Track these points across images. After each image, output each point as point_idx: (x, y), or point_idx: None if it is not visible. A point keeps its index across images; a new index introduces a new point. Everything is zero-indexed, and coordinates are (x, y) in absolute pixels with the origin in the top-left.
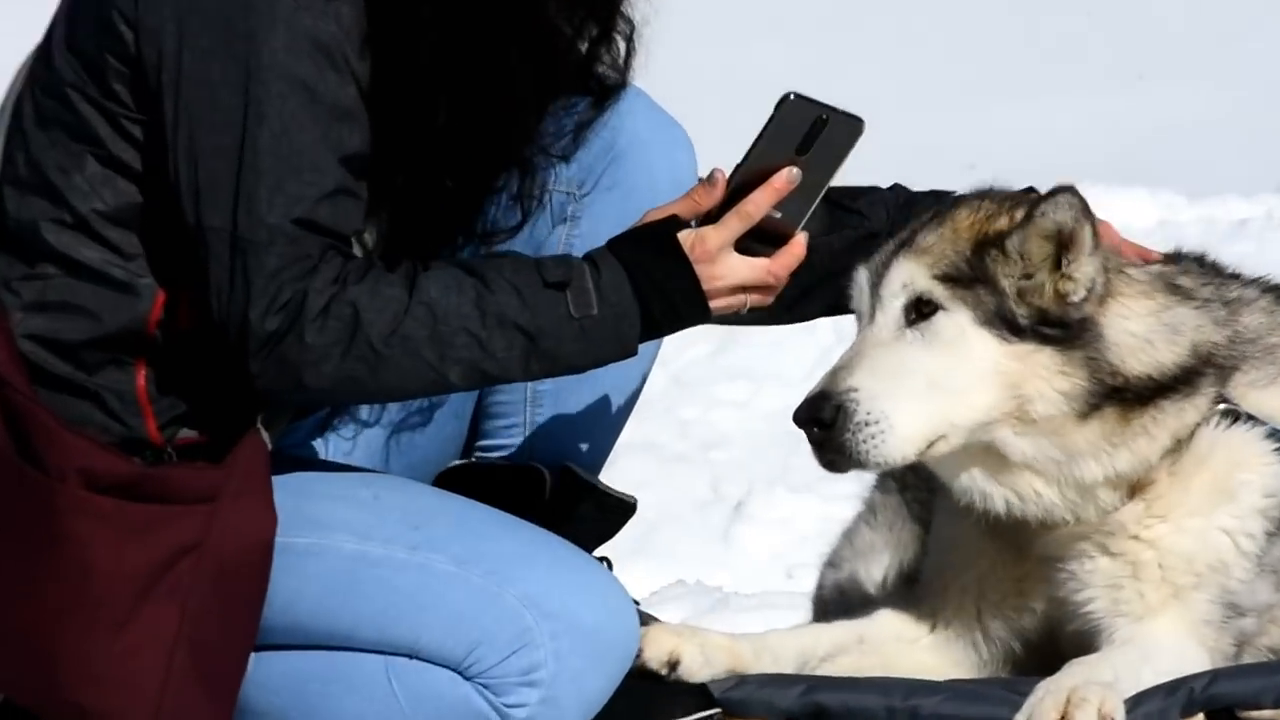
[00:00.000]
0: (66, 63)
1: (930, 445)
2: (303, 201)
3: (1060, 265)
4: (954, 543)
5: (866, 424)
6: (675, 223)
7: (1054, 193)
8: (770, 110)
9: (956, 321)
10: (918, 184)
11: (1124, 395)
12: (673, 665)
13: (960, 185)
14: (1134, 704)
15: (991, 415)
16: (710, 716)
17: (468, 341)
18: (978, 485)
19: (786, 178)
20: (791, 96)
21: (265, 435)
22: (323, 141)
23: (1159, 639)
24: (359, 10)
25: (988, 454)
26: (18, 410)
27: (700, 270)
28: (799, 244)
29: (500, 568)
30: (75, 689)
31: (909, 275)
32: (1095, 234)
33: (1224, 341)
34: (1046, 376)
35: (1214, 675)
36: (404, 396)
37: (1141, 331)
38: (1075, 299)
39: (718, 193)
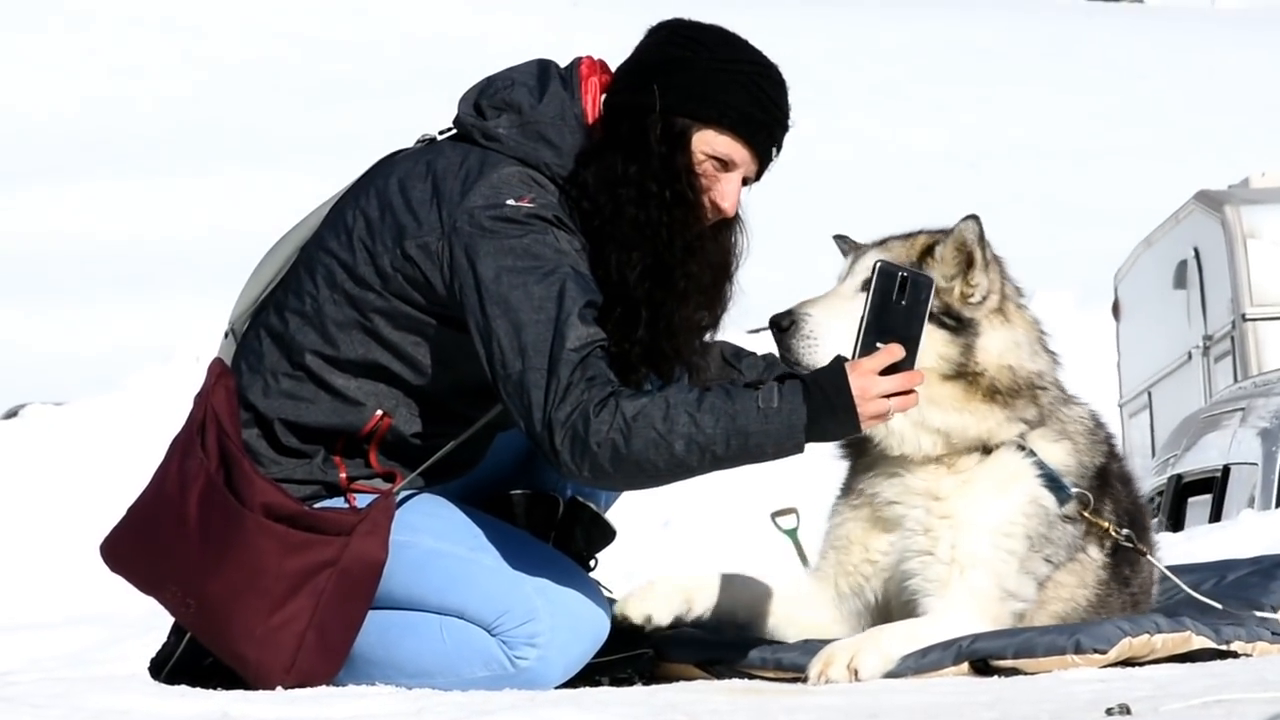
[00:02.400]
0: (366, 263)
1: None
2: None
3: (966, 274)
4: (839, 531)
5: (807, 337)
6: (841, 358)
7: (966, 218)
8: (870, 277)
9: None
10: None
11: (976, 380)
12: (647, 617)
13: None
14: (922, 654)
15: None
16: (641, 654)
17: (687, 420)
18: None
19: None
20: (879, 264)
21: (395, 494)
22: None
23: (947, 609)
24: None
25: None
26: (229, 454)
27: (854, 382)
28: (919, 373)
29: (523, 567)
30: (241, 644)
31: (873, 261)
32: (986, 256)
33: (1050, 400)
34: (935, 345)
35: (976, 636)
36: (651, 469)
37: (1010, 342)
38: (973, 301)
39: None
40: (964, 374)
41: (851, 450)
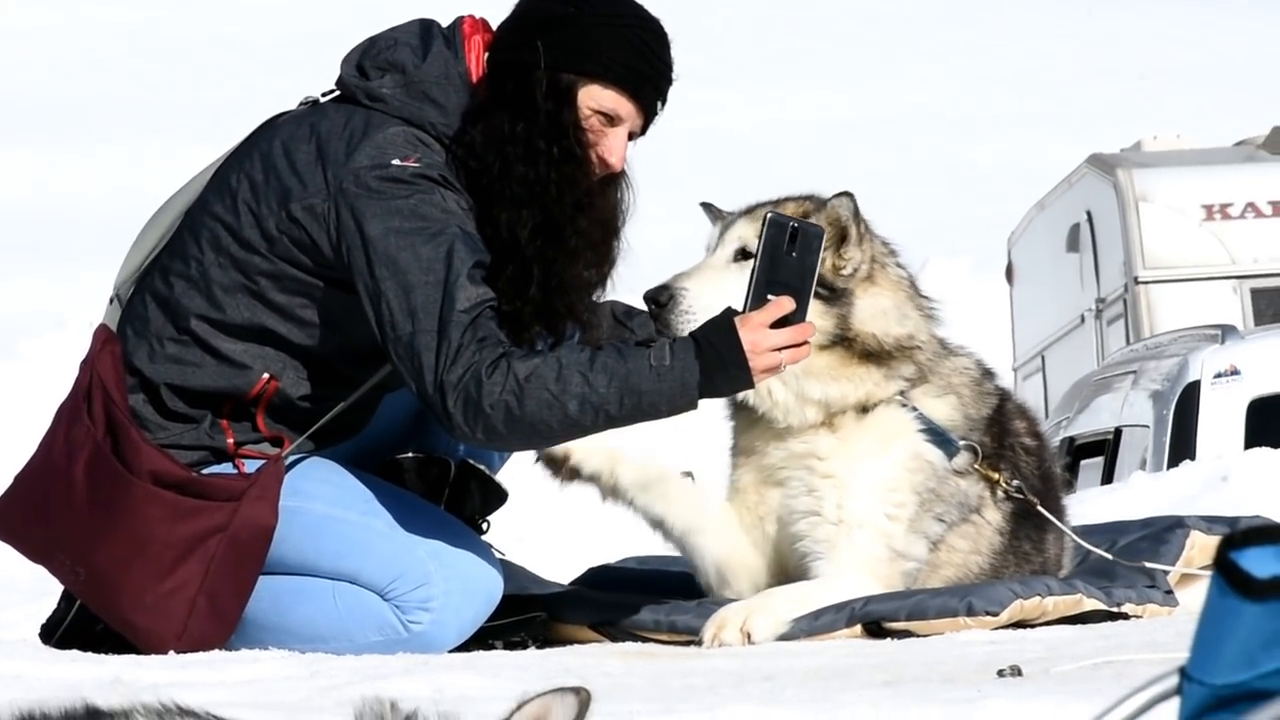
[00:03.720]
0: (251, 226)
1: None
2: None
3: (840, 248)
4: (734, 484)
5: (685, 311)
6: (731, 310)
7: (840, 194)
8: (760, 229)
9: None
10: None
11: (852, 345)
12: (567, 457)
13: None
14: (815, 617)
15: None
16: (533, 617)
17: (580, 380)
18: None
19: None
20: (769, 215)
21: (285, 459)
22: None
23: (837, 572)
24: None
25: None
26: (115, 420)
27: (745, 336)
28: (809, 325)
29: (415, 531)
30: (131, 612)
31: (743, 231)
32: (860, 231)
33: (926, 358)
34: (809, 317)
35: (869, 599)
36: (545, 430)
37: (878, 309)
38: (845, 273)
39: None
40: (839, 342)
41: (735, 409)
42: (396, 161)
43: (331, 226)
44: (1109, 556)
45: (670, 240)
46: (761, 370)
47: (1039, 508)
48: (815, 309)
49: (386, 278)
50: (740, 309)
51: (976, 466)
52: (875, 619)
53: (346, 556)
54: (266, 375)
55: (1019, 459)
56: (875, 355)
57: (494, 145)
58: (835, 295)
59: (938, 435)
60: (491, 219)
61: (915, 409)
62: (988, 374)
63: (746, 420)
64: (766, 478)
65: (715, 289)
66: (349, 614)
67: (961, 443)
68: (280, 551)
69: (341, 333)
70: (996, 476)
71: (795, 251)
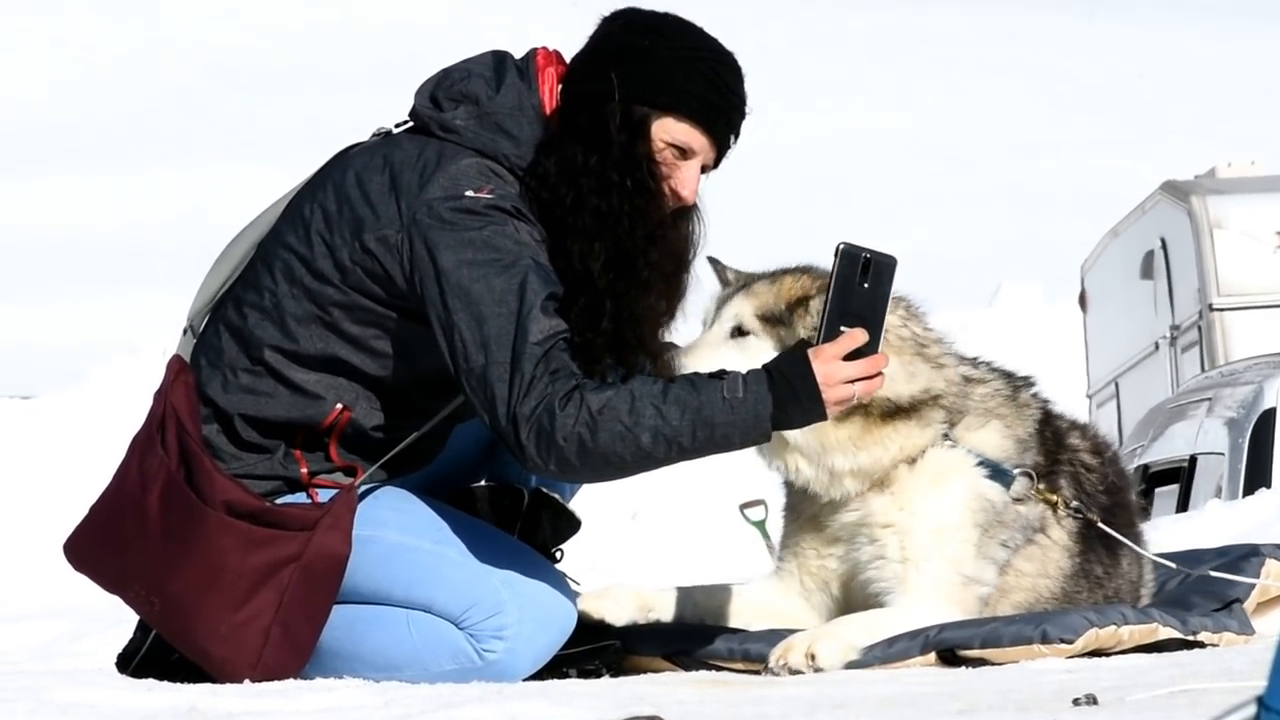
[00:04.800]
0: (325, 257)
1: None
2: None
3: None
4: (791, 540)
5: None
6: (804, 343)
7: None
8: (832, 259)
9: (761, 345)
10: None
11: (870, 411)
12: (601, 618)
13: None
14: (889, 644)
15: None
16: (607, 646)
17: (653, 412)
18: (765, 454)
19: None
20: (842, 246)
21: (357, 488)
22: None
23: (910, 600)
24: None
25: (790, 446)
26: (189, 451)
27: (819, 368)
28: (883, 356)
29: (488, 560)
30: (206, 641)
31: (740, 308)
32: None
33: (952, 395)
34: None
35: (943, 626)
36: (618, 461)
37: (886, 373)
38: None
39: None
40: (854, 411)
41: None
42: (470, 193)
43: (405, 257)
44: (1173, 566)
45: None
46: (834, 402)
47: (1099, 523)
48: None
49: (459, 309)
50: (814, 341)
51: (1035, 490)
52: (949, 646)
53: (420, 585)
54: (340, 405)
55: (1080, 475)
56: (898, 413)
57: (567, 177)
58: None
59: (991, 468)
60: (564, 251)
61: (962, 446)
62: (1020, 386)
63: (801, 529)
64: (826, 539)
65: (712, 367)
66: (423, 642)
67: (1016, 471)
68: (354, 580)
69: (414, 364)
70: (1055, 498)
71: (867, 282)
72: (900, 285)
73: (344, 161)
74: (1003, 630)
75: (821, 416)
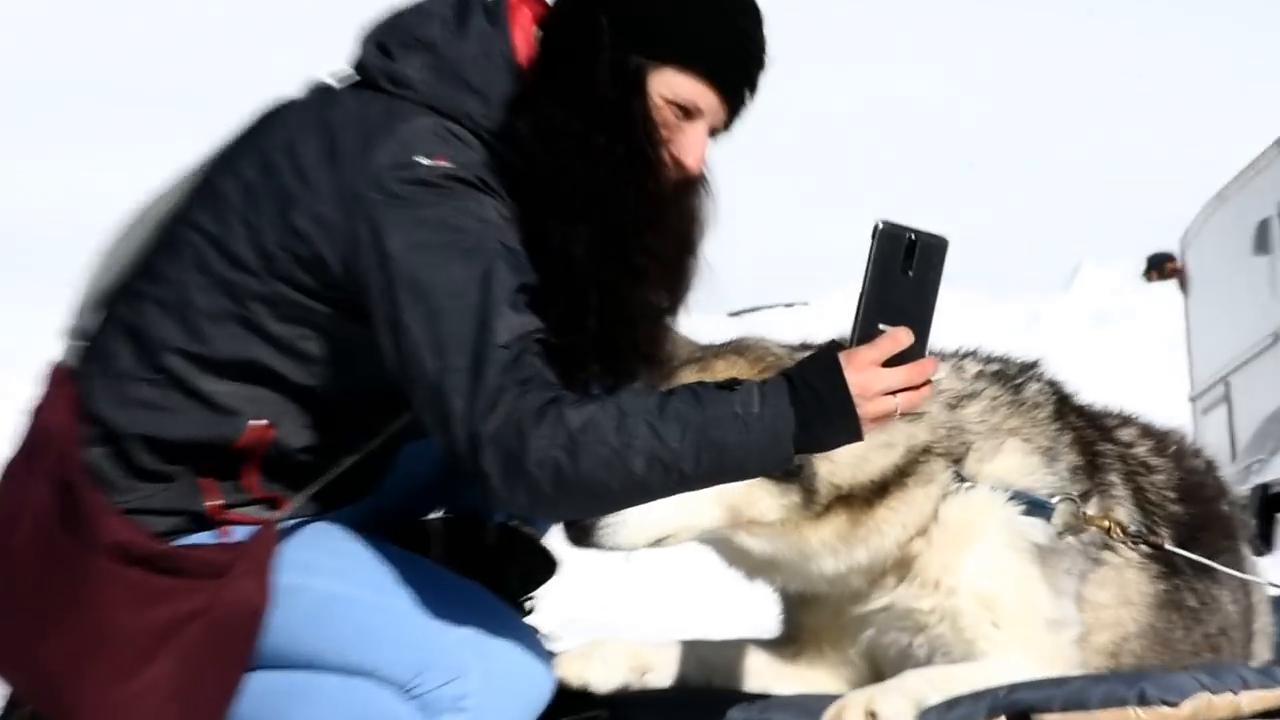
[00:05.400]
0: (243, 240)
1: (660, 541)
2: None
3: None
4: (793, 623)
5: (606, 523)
6: (835, 344)
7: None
8: (869, 241)
9: None
10: None
11: (850, 500)
12: (584, 684)
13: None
14: (947, 708)
15: (717, 524)
16: (594, 717)
17: (647, 432)
18: (740, 566)
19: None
20: (881, 226)
21: (280, 524)
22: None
23: (993, 652)
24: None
25: (736, 547)
26: (69, 482)
27: (853, 377)
28: (931, 360)
29: (445, 613)
30: (91, 717)
31: (686, 380)
32: None
33: (943, 435)
34: (765, 497)
35: (1014, 686)
36: (603, 492)
37: (855, 452)
38: None
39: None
40: (829, 508)
41: None
42: (424, 160)
43: (343, 240)
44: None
45: (759, 248)
46: (872, 418)
47: (1166, 546)
48: (768, 490)
49: (409, 303)
50: (847, 343)
51: (1082, 516)
52: (1024, 709)
53: (359, 645)
54: (259, 422)
55: (1137, 477)
56: (886, 488)
57: (544, 142)
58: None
59: (1025, 503)
60: (540, 233)
61: (982, 483)
62: (1020, 381)
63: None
64: (845, 628)
65: None
66: (361, 717)
67: (1055, 500)
68: (275, 640)
69: (352, 370)
70: (1108, 523)
71: (912, 269)
72: (955, 269)
73: (271, 123)
74: (1090, 689)
75: (855, 435)
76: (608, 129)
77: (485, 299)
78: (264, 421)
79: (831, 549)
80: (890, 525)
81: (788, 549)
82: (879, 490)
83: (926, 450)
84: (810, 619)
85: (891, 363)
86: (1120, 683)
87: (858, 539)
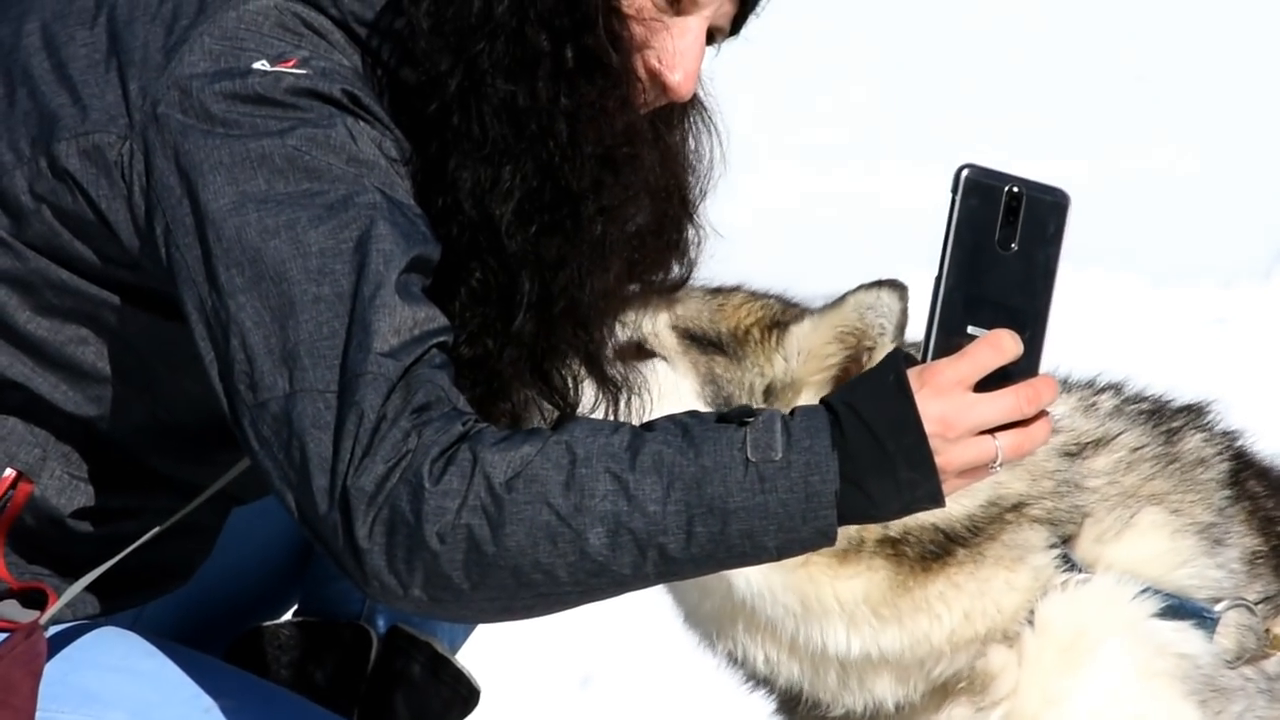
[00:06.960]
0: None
1: None
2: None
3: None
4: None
5: None
6: (899, 357)
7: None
8: (950, 193)
9: (671, 380)
10: None
11: (899, 549)
12: None
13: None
14: None
15: None
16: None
17: (612, 489)
18: (702, 621)
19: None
20: (966, 172)
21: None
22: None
23: None
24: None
25: (724, 601)
26: None
27: (930, 408)
28: (1049, 379)
29: None
30: None
31: (649, 317)
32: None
33: (1048, 491)
34: None
35: None
36: (540, 580)
37: None
38: None
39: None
40: (879, 549)
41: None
42: (261, 65)
43: (136, 185)
44: None
45: (754, 215)
46: (959, 470)
47: None
48: None
49: (240, 288)
50: (920, 357)
51: (1265, 633)
52: None
53: None
54: (10, 472)
55: None
56: (951, 549)
57: (452, 40)
58: None
59: (1173, 607)
60: (446, 181)
61: (1103, 573)
62: (1177, 425)
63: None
64: None
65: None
66: None
67: (1220, 606)
68: None
69: (151, 392)
70: None
71: (1015, 239)
72: (1092, 241)
73: (18, 8)
74: None
75: (935, 502)
76: (549, 23)
77: (359, 281)
78: (10, 473)
79: (851, 614)
80: (946, 607)
81: (787, 591)
82: (942, 550)
83: (1018, 509)
84: None
85: (987, 383)
86: None
87: (894, 612)
